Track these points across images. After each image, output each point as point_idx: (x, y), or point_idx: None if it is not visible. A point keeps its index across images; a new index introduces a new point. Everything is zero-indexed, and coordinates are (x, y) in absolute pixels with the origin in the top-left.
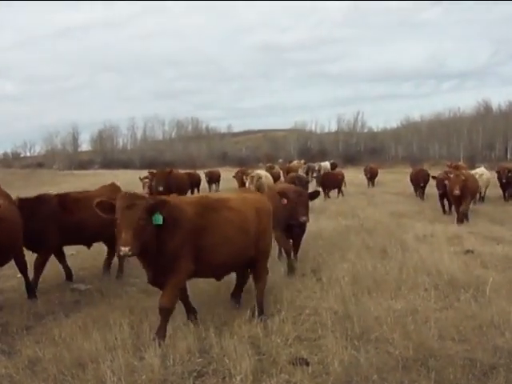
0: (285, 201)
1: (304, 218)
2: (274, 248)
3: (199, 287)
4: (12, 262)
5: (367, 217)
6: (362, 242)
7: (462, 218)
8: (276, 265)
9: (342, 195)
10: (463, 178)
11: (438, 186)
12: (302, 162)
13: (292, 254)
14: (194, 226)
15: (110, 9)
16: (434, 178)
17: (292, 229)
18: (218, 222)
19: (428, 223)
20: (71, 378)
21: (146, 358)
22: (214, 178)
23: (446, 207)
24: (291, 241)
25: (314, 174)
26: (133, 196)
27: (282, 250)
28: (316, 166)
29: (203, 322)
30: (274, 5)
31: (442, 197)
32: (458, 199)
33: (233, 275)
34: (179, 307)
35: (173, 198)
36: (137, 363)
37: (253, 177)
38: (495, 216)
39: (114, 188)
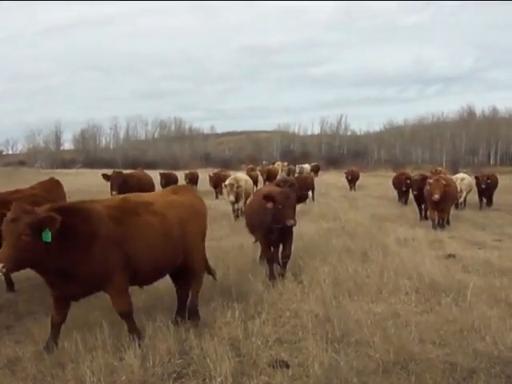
0: (270, 204)
1: (291, 222)
2: (256, 250)
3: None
4: None
5: (349, 220)
6: (343, 244)
7: (443, 223)
8: (257, 267)
9: (313, 200)
10: (444, 182)
11: (413, 188)
12: (286, 164)
13: (280, 262)
14: (111, 233)
15: (96, 8)
16: (406, 179)
17: (280, 233)
18: (138, 227)
19: (409, 227)
20: (51, 378)
21: (125, 359)
22: (193, 180)
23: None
24: (281, 246)
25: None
26: (21, 208)
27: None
28: (297, 168)
29: (183, 324)
30: (261, 7)
31: (418, 200)
32: (437, 204)
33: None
34: (160, 307)
35: (90, 204)
36: (116, 364)
37: (232, 185)
38: (477, 221)
39: (50, 185)
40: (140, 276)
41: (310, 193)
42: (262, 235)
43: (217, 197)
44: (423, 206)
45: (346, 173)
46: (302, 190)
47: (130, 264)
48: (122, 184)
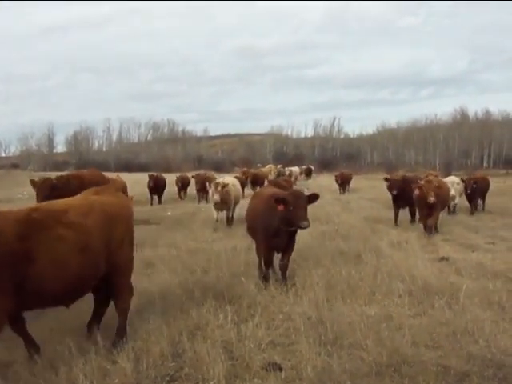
0: (281, 207)
1: (305, 223)
2: (249, 253)
3: (173, 291)
4: None
5: (342, 222)
6: (336, 247)
7: (435, 228)
8: (250, 270)
9: None
10: (436, 184)
11: (390, 189)
12: (280, 166)
13: (280, 272)
14: (12, 250)
15: (88, 10)
16: (386, 180)
17: (285, 238)
18: (45, 243)
19: (403, 230)
20: (43, 382)
21: (118, 362)
22: (185, 183)
23: (413, 217)
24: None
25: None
26: None
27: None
28: (287, 171)
29: (176, 326)
30: (254, 8)
31: (396, 202)
32: (428, 208)
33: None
34: (152, 309)
35: None
36: (109, 367)
37: (217, 184)
38: (470, 224)
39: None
40: (48, 298)
41: None
42: (265, 239)
43: (199, 201)
44: (407, 209)
45: (335, 176)
46: None
47: (30, 286)
48: (49, 193)
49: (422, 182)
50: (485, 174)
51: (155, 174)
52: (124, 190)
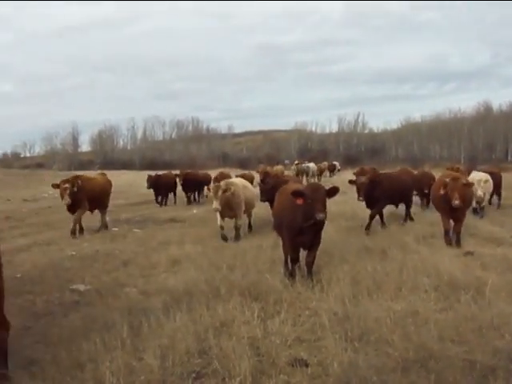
0: (300, 200)
1: (321, 215)
2: (274, 250)
3: (199, 288)
4: (11, 263)
5: (367, 218)
6: (361, 243)
7: (459, 237)
8: (276, 267)
9: None
10: (464, 182)
11: (359, 192)
12: (296, 163)
13: (306, 269)
14: None
15: (111, 9)
16: (350, 182)
17: (311, 235)
18: None
19: (428, 225)
20: (70, 379)
21: (145, 359)
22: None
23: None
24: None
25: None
26: None
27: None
28: (306, 168)
29: (202, 323)
30: (275, 6)
31: (371, 206)
32: (454, 212)
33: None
34: (178, 307)
35: None
36: (136, 364)
37: (217, 187)
38: (495, 218)
39: None
40: None
41: None
42: (290, 236)
43: (189, 202)
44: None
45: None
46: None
47: None
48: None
49: (447, 180)
50: (495, 168)
51: (159, 173)
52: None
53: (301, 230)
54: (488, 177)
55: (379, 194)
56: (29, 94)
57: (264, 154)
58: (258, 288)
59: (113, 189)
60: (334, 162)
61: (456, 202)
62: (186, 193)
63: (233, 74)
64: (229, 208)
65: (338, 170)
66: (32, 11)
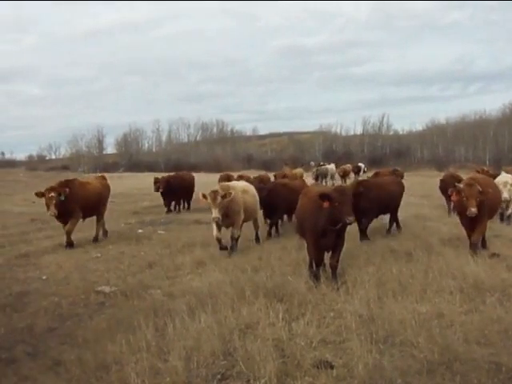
0: (327, 203)
1: (350, 219)
2: (299, 252)
3: (224, 290)
4: (36, 266)
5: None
6: (387, 245)
7: (476, 246)
8: (301, 269)
9: None
10: (479, 188)
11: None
12: (313, 164)
13: (331, 271)
14: None
15: (136, 12)
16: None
17: (334, 237)
18: None
19: (454, 226)
20: (95, 380)
21: (170, 361)
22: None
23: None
24: (330, 252)
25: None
26: None
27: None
28: (324, 169)
29: (227, 325)
30: (299, 8)
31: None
32: (471, 220)
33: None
34: (203, 308)
35: None
36: (161, 365)
37: (215, 192)
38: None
39: None
40: None
41: None
42: (314, 238)
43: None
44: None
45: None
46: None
47: None
48: None
49: (461, 186)
50: (485, 170)
51: (173, 174)
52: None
53: (324, 233)
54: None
55: (366, 204)
56: (55, 96)
57: (288, 155)
58: (283, 290)
59: (137, 191)
60: (360, 164)
61: (473, 210)
62: (168, 200)
63: (258, 76)
64: (226, 215)
65: (364, 172)
66: (59, 14)
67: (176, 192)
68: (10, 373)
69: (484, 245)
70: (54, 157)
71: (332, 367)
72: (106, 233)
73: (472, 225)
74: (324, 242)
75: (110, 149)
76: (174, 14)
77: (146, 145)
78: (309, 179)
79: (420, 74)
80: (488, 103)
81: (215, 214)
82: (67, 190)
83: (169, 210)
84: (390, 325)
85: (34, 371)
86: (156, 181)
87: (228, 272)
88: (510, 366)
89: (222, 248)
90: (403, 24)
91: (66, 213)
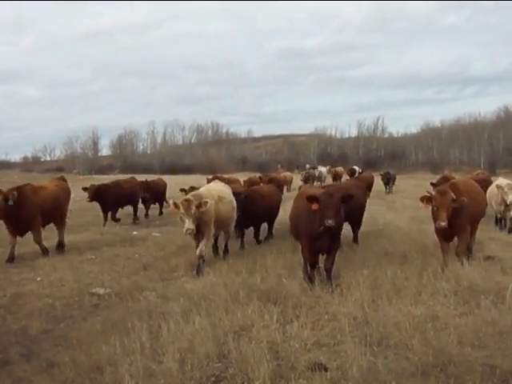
0: (315, 205)
1: (330, 221)
2: (294, 254)
3: (218, 293)
4: (31, 267)
5: (387, 222)
6: (381, 247)
7: (462, 257)
8: (295, 271)
9: None
10: (452, 196)
11: None
12: (308, 167)
13: (325, 273)
14: None
15: (134, 13)
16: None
17: (327, 240)
18: None
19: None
20: (89, 382)
21: (164, 363)
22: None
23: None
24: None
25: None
26: None
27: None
28: (316, 172)
29: (221, 327)
30: (297, 10)
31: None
32: (446, 232)
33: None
34: (198, 311)
35: None
36: (155, 367)
37: (189, 201)
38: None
39: None
40: None
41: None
42: (308, 241)
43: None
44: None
45: (381, 174)
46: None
47: None
48: None
49: (433, 192)
50: (482, 173)
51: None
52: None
53: (318, 235)
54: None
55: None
56: (51, 98)
57: (283, 158)
58: (277, 292)
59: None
60: (354, 167)
61: (442, 224)
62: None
63: (255, 78)
64: (198, 229)
65: (360, 174)
66: (57, 15)
67: (112, 201)
68: (4, 375)
69: (470, 252)
70: (48, 158)
71: (326, 370)
72: (62, 245)
73: (448, 235)
74: (318, 245)
75: (104, 150)
76: (172, 16)
77: (141, 147)
78: (299, 182)
79: (416, 77)
80: (483, 106)
81: (189, 225)
82: (15, 193)
83: (105, 222)
84: (384, 327)
85: (28, 373)
86: (85, 189)
87: (222, 274)
88: (505, 368)
89: (199, 271)
90: (400, 26)
91: (22, 221)
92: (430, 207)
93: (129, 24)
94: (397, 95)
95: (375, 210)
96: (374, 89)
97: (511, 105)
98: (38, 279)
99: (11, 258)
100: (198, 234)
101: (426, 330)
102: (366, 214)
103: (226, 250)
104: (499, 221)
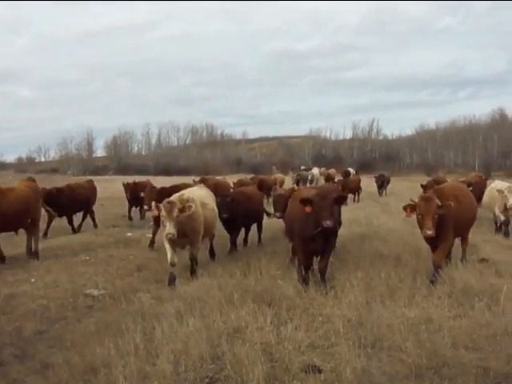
0: (309, 208)
1: (328, 222)
2: (289, 254)
3: (212, 294)
4: (25, 268)
5: (381, 225)
6: (375, 249)
7: (437, 269)
8: (290, 273)
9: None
10: (438, 203)
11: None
12: (303, 168)
13: (318, 274)
14: None
15: (127, 14)
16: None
17: (322, 242)
18: None
19: None
20: (83, 383)
21: (158, 364)
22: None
23: None
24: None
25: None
26: None
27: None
28: (309, 175)
29: (216, 329)
30: (292, 12)
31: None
32: (434, 239)
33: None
34: (192, 312)
35: None
36: (149, 369)
37: (172, 204)
38: (511, 225)
39: None
40: None
41: None
42: (302, 242)
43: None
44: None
45: (375, 177)
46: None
47: None
48: None
49: (416, 200)
50: (479, 176)
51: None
52: None
53: (312, 237)
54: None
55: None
56: (46, 98)
57: (278, 159)
58: (272, 294)
59: (124, 194)
60: (349, 169)
61: (428, 233)
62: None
63: (250, 79)
64: (182, 234)
65: (354, 175)
66: (52, 16)
67: (65, 206)
68: None
69: (440, 267)
70: (43, 159)
71: (320, 371)
72: (36, 253)
73: (434, 243)
74: (312, 246)
75: (99, 151)
76: (168, 17)
77: (136, 148)
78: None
79: (411, 79)
80: (478, 108)
81: (170, 229)
82: None
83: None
84: (378, 329)
85: (22, 374)
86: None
87: (216, 276)
88: (498, 370)
89: (171, 281)
90: (396, 29)
91: None
92: (415, 216)
93: (124, 25)
94: (392, 97)
95: (370, 212)
96: (369, 91)
97: (506, 107)
98: (33, 280)
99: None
100: (186, 240)
101: (420, 332)
102: (360, 216)
103: (212, 254)
104: (503, 225)
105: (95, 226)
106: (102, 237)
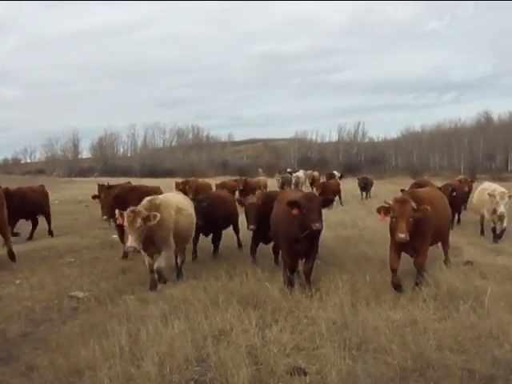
0: (296, 210)
1: (317, 225)
2: (274, 259)
3: (197, 297)
4: (10, 270)
5: (367, 227)
6: (361, 252)
7: (422, 273)
8: (275, 275)
9: None
10: (413, 205)
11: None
12: (289, 170)
13: (304, 276)
14: None
15: (112, 16)
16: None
17: (306, 244)
18: None
19: None
20: None
21: (143, 366)
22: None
23: None
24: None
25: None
26: None
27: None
28: (293, 178)
29: (201, 331)
30: (277, 14)
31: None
32: (407, 245)
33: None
34: (177, 314)
35: None
36: (134, 371)
37: (136, 213)
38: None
39: None
40: None
41: None
42: (287, 244)
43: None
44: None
45: (358, 179)
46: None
47: None
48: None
49: (390, 202)
50: (465, 179)
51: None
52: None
53: (297, 239)
54: (499, 188)
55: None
56: (31, 99)
57: (264, 162)
58: (257, 296)
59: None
60: (334, 172)
61: (401, 236)
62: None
63: (235, 82)
64: (150, 242)
65: (339, 178)
66: (37, 17)
67: (13, 210)
68: None
69: (422, 269)
70: (29, 160)
71: (305, 374)
72: (13, 256)
73: (408, 248)
74: (297, 249)
75: (85, 153)
76: (154, 18)
77: (122, 149)
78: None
79: (396, 82)
80: (463, 112)
81: (131, 242)
82: None
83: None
84: (363, 332)
85: (7, 376)
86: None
87: (202, 278)
88: (484, 372)
89: (153, 287)
90: (381, 32)
91: None
92: (389, 219)
93: (110, 26)
94: (376, 100)
95: (355, 214)
96: (354, 93)
97: (491, 110)
98: (18, 282)
99: None
100: (154, 249)
101: (405, 335)
102: (346, 219)
103: (178, 267)
104: (492, 231)
105: (50, 233)
106: (87, 239)
